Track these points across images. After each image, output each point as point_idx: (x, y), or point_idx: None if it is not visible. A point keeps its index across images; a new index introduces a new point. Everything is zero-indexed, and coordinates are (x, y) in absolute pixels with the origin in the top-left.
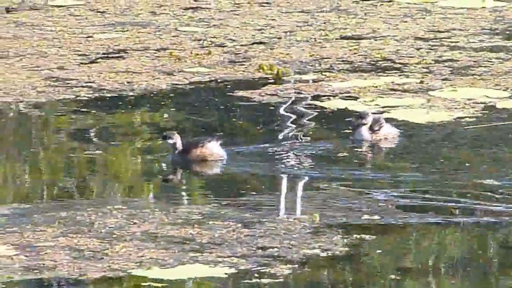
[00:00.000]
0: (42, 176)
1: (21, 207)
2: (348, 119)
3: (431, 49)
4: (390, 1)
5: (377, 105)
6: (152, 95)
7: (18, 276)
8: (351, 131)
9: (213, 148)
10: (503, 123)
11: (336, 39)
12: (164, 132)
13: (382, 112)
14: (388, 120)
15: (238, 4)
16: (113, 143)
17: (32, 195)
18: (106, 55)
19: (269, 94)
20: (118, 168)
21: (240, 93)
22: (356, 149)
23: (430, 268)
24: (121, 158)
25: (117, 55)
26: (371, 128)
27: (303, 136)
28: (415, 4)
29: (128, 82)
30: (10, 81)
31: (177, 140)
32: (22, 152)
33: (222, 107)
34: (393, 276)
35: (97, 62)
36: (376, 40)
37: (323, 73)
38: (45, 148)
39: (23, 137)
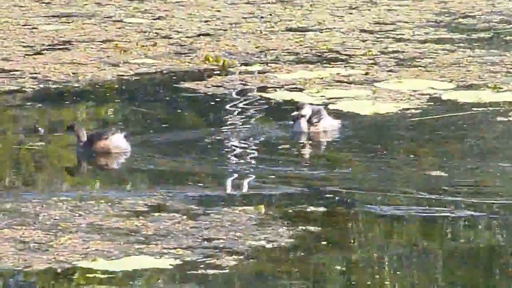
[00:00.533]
0: None
1: None
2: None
3: (376, 41)
4: None
5: (322, 96)
6: (97, 86)
7: None
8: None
9: (117, 141)
10: (448, 115)
11: (282, 30)
12: (68, 124)
13: (327, 105)
14: (333, 111)
15: None
16: (57, 134)
17: None
18: (51, 47)
19: (215, 86)
20: (60, 159)
21: (186, 84)
22: (293, 142)
23: (376, 259)
24: (65, 150)
25: (62, 46)
26: (309, 120)
27: (247, 127)
28: None
29: (73, 74)
30: None
31: (80, 132)
32: None
33: (167, 98)
34: (338, 268)
35: (42, 54)
36: (322, 32)
37: (269, 65)
38: None
39: None
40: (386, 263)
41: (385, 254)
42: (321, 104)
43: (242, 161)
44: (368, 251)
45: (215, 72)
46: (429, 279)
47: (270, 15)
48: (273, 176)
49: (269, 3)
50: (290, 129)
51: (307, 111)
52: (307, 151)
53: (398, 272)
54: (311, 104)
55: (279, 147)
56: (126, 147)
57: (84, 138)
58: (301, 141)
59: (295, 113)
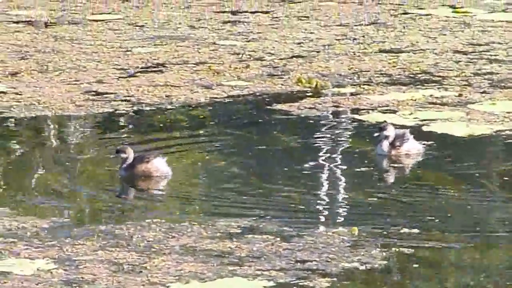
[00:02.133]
0: (82, 189)
1: (60, 221)
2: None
3: (470, 62)
4: (428, 15)
5: (416, 118)
6: (190, 108)
7: None
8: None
9: (158, 164)
10: None
11: (375, 52)
12: (118, 147)
13: (420, 126)
14: (423, 133)
15: (277, 17)
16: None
17: (72, 209)
18: (145, 69)
19: (307, 108)
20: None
21: (279, 106)
22: (374, 164)
23: (470, 283)
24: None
25: (156, 69)
26: (392, 143)
27: (339, 150)
28: (453, 17)
29: (167, 96)
30: (49, 95)
31: (129, 154)
32: (62, 165)
33: (260, 120)
34: None
35: (136, 76)
36: (415, 53)
37: (362, 86)
38: (88, 162)
39: (64, 151)
40: (478, 286)
41: (478, 277)
42: (414, 125)
43: (333, 183)
44: (461, 274)
45: (307, 94)
46: None
47: (363, 36)
48: (364, 198)
49: (362, 24)
50: (374, 151)
51: (390, 132)
52: (394, 173)
53: None
54: (399, 127)
55: (357, 169)
56: (167, 171)
57: (130, 161)
58: (380, 164)
59: (377, 134)
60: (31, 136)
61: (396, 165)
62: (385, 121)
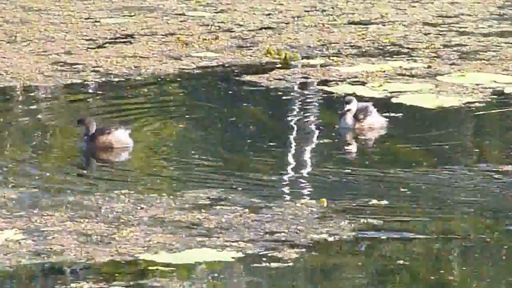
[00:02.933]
0: (50, 160)
1: (28, 192)
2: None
3: (439, 34)
4: None
5: (385, 90)
6: (159, 79)
7: (26, 260)
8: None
9: (120, 136)
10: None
11: (344, 24)
12: (79, 118)
13: (389, 97)
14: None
15: None
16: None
17: (40, 180)
18: (113, 40)
19: (276, 79)
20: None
21: (248, 77)
22: (340, 137)
23: (437, 253)
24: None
25: (124, 40)
26: (355, 116)
27: (307, 122)
28: None
29: (135, 67)
30: (17, 66)
31: (91, 125)
32: (30, 137)
33: (230, 92)
34: (400, 261)
35: (104, 47)
36: (384, 25)
37: (331, 58)
38: (53, 133)
39: (31, 122)
40: (449, 256)
41: (446, 246)
42: (383, 97)
43: (302, 155)
44: (429, 244)
45: (277, 66)
46: (495, 272)
47: (333, 8)
48: (333, 170)
49: None
50: (336, 124)
51: (353, 106)
52: (360, 146)
53: (459, 263)
54: (368, 99)
55: (321, 141)
56: (128, 143)
57: (92, 132)
58: (344, 138)
59: (343, 107)
60: (7, 108)
61: (362, 138)
62: (348, 95)
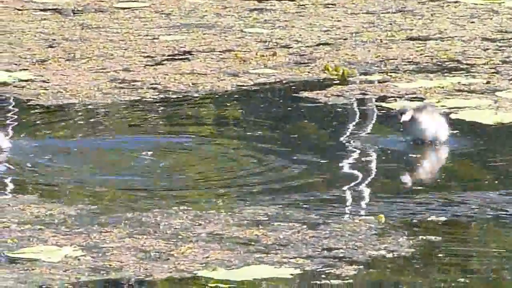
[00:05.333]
0: (109, 178)
1: (87, 208)
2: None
3: (498, 49)
4: (456, 2)
5: (443, 106)
6: (217, 96)
7: (85, 277)
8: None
9: None
10: None
11: (402, 40)
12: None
13: (448, 114)
14: (451, 121)
15: (303, 5)
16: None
17: (98, 197)
18: (171, 57)
19: (334, 95)
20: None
21: (306, 94)
22: (401, 151)
23: (497, 271)
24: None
25: (182, 56)
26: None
27: (366, 137)
28: (481, 4)
29: (193, 84)
30: (76, 83)
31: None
32: (88, 154)
33: (288, 108)
34: (461, 280)
35: (162, 64)
36: (442, 41)
37: (389, 74)
38: (111, 151)
39: (89, 139)
40: (510, 275)
41: (507, 264)
42: (441, 113)
43: (359, 171)
44: (487, 263)
45: (334, 82)
46: None
47: (391, 24)
48: (391, 186)
49: (389, 12)
50: (402, 137)
51: (408, 116)
52: (422, 161)
53: None
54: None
55: (395, 156)
56: (5, 147)
57: None
58: (411, 151)
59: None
60: (57, 123)
61: (423, 152)
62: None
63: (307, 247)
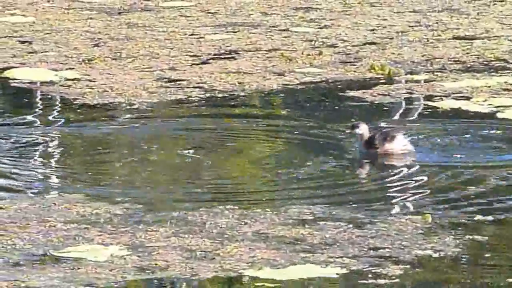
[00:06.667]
0: (155, 176)
1: (133, 207)
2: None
3: None
4: (502, 1)
5: (490, 105)
6: (262, 95)
7: (131, 276)
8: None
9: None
10: None
11: (449, 39)
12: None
13: (494, 113)
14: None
15: (349, 4)
16: (228, 144)
17: (144, 195)
18: (217, 56)
19: (380, 95)
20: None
21: (352, 93)
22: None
23: None
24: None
25: (228, 55)
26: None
27: (412, 137)
28: None
29: (239, 83)
30: (122, 82)
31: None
32: (133, 153)
33: (336, 107)
34: (510, 280)
35: (208, 63)
36: (489, 40)
37: (435, 73)
38: (157, 150)
39: (135, 138)
40: None
41: None
42: (488, 112)
43: (407, 170)
44: None
45: (380, 81)
46: None
47: (437, 23)
48: (438, 185)
49: (435, 11)
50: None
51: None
52: (468, 160)
53: None
54: (473, 113)
55: (443, 157)
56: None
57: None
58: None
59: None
60: (104, 123)
61: (470, 152)
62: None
63: (353, 247)
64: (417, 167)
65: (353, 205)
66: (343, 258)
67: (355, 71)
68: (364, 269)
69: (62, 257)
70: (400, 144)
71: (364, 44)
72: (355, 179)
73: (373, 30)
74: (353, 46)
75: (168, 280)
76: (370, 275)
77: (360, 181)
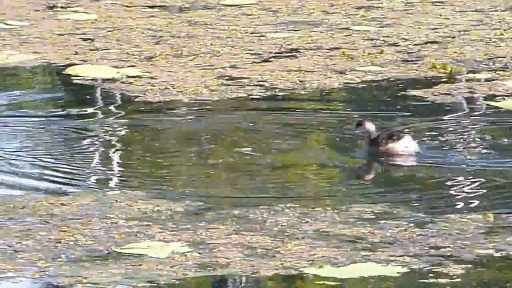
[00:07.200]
0: (215, 174)
1: (194, 205)
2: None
3: None
4: None
5: None
6: (323, 94)
7: (192, 273)
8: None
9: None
10: None
11: (511, 38)
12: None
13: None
14: None
15: (411, 3)
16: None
17: (206, 193)
18: (278, 54)
19: (442, 94)
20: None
21: (413, 92)
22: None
23: None
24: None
25: (289, 54)
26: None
27: (474, 136)
28: None
29: (300, 81)
30: (183, 80)
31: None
32: (195, 150)
33: (395, 106)
34: None
35: (269, 61)
36: None
37: (497, 72)
38: (220, 147)
39: (197, 135)
40: None
41: None
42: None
43: (468, 169)
44: None
45: (442, 80)
46: None
47: (499, 22)
48: (500, 184)
49: (497, 10)
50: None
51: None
52: None
53: None
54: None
55: (504, 155)
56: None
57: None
58: None
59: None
60: (165, 120)
61: None
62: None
63: (414, 245)
64: (478, 167)
65: (414, 204)
66: (404, 257)
67: (416, 70)
68: (425, 268)
69: (124, 253)
70: (402, 145)
71: (426, 43)
72: (416, 178)
73: (434, 28)
74: (414, 44)
75: (229, 277)
76: (431, 274)
77: (421, 180)
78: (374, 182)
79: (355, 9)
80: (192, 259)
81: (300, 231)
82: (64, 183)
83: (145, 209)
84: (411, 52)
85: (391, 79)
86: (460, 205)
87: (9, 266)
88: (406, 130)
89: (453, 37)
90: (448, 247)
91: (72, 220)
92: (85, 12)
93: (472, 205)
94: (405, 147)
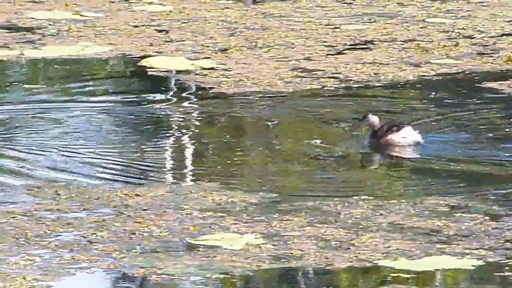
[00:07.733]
0: (287, 166)
1: (268, 196)
2: None
3: None
4: None
5: None
6: (398, 86)
7: (266, 264)
8: None
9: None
10: None
11: None
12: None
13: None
14: None
15: None
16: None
17: (280, 185)
18: (353, 46)
19: None
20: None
21: (488, 84)
22: None
23: None
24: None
25: (364, 46)
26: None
27: None
28: None
29: (374, 74)
30: (258, 71)
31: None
32: (268, 142)
33: (472, 99)
34: None
35: (344, 53)
36: None
37: None
38: (291, 138)
39: (270, 126)
40: None
41: None
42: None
43: None
44: None
45: None
46: None
47: None
48: None
49: None
50: None
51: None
52: None
53: None
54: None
55: None
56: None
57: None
58: None
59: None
60: (239, 112)
61: None
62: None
63: (489, 239)
64: None
65: (490, 197)
66: (479, 250)
67: (492, 63)
68: (501, 261)
69: (198, 245)
70: (400, 136)
71: (502, 35)
72: (491, 171)
73: (510, 21)
74: (490, 37)
75: (303, 269)
76: (507, 267)
77: (496, 174)
78: (449, 174)
79: (430, 1)
80: (266, 251)
81: (375, 223)
82: (138, 174)
83: (219, 201)
84: (487, 45)
85: (466, 72)
86: None
87: (83, 257)
88: (413, 122)
89: None
90: None
91: (146, 211)
92: (160, 4)
93: None
94: (403, 138)
